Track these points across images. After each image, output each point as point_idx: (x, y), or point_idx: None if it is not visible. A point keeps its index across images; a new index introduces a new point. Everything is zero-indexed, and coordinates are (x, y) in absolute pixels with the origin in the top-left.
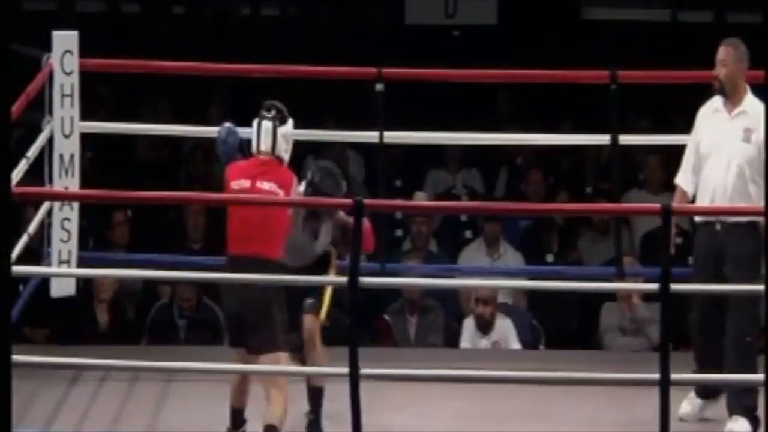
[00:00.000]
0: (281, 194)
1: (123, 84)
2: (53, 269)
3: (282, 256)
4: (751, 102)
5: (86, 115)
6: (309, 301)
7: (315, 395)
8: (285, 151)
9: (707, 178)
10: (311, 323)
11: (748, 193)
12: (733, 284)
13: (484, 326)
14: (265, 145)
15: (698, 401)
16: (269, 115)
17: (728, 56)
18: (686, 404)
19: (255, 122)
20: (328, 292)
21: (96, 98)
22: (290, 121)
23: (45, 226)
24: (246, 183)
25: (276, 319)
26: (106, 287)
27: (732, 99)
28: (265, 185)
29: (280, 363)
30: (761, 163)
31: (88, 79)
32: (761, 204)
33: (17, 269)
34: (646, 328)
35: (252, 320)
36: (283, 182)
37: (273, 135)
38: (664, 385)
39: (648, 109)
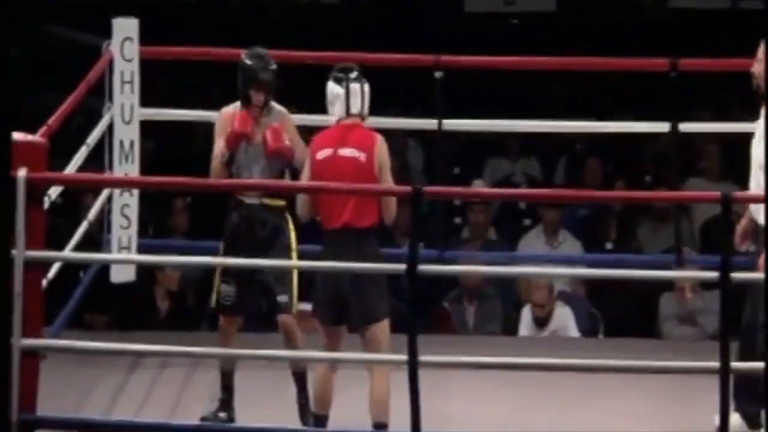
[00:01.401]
0: (362, 158)
1: (182, 71)
2: (113, 256)
3: (376, 223)
4: None
5: (146, 102)
6: (282, 299)
7: (299, 379)
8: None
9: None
10: (290, 321)
11: None
12: None
13: (543, 314)
14: (356, 108)
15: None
16: (354, 77)
17: (763, 53)
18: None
19: (339, 86)
20: (294, 282)
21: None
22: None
23: (105, 213)
24: (329, 152)
25: (378, 289)
26: (173, 279)
27: None
28: (347, 152)
29: (385, 333)
30: None
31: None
32: None
33: (77, 255)
34: (700, 318)
35: (366, 292)
36: (363, 146)
37: (361, 95)
38: (724, 374)
39: (709, 99)
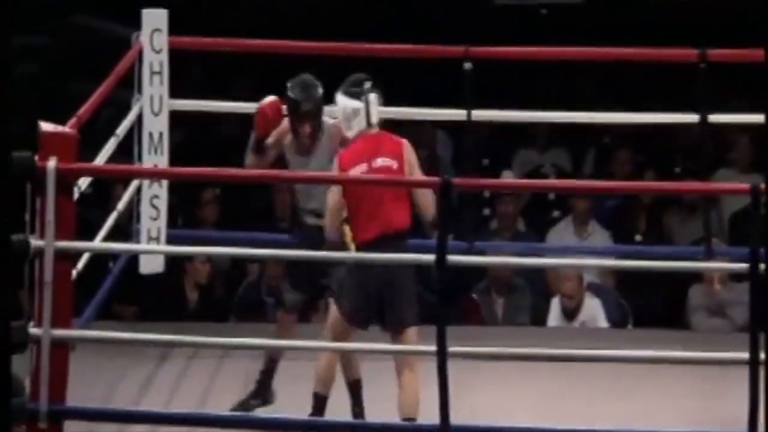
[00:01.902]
0: (395, 166)
1: (211, 62)
2: (142, 246)
3: (409, 226)
4: None
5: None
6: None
7: (354, 389)
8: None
9: None
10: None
11: None
12: None
13: (572, 305)
14: (375, 117)
15: None
16: (368, 87)
17: None
18: None
19: (357, 101)
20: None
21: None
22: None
23: (134, 204)
24: (363, 167)
25: (412, 297)
26: (202, 272)
27: None
28: (380, 162)
29: (414, 340)
30: None
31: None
32: None
33: (106, 246)
34: (729, 310)
35: (400, 297)
36: (394, 153)
37: (374, 107)
38: (754, 365)
39: (740, 90)
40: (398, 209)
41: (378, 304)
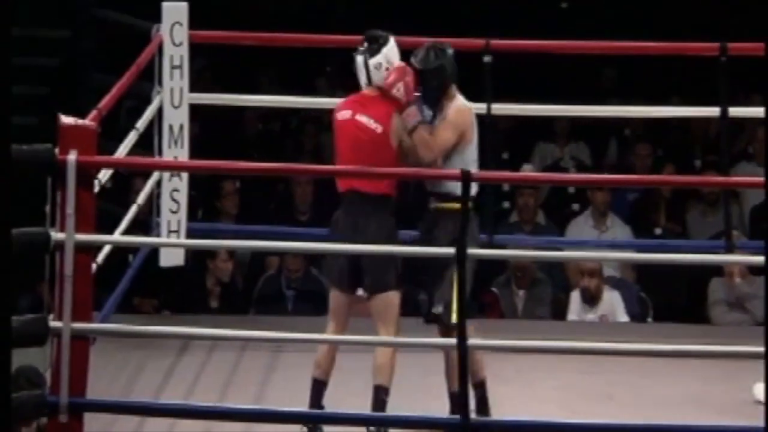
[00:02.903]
0: (377, 128)
1: (230, 56)
2: (163, 240)
3: (391, 192)
4: None
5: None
6: (437, 310)
7: (478, 390)
8: (387, 81)
9: None
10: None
11: None
12: None
13: (591, 299)
14: (362, 80)
15: None
16: (361, 49)
17: None
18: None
19: (359, 56)
20: (454, 294)
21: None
22: (386, 48)
23: (154, 197)
24: (347, 113)
25: (391, 260)
26: (224, 270)
27: None
28: (363, 119)
29: (393, 304)
30: None
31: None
32: None
33: (127, 239)
34: (749, 304)
35: (376, 259)
36: (379, 116)
37: (365, 68)
38: None
39: (760, 84)
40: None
41: (356, 267)
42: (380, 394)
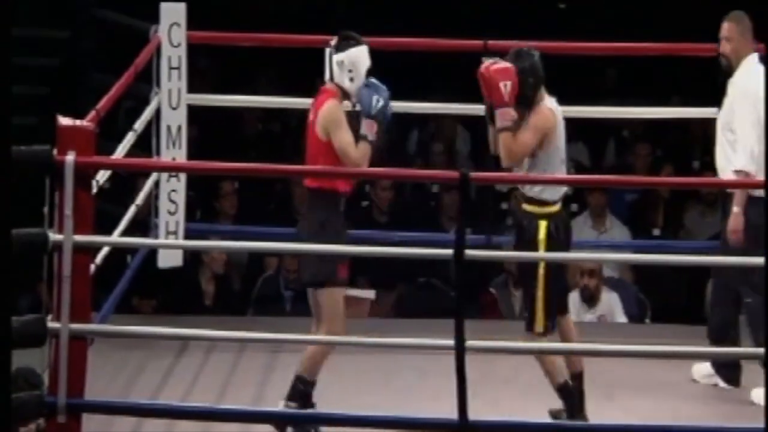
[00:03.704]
0: (312, 119)
1: (229, 56)
2: (160, 241)
3: (329, 186)
4: (741, 70)
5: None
6: (525, 314)
7: (576, 380)
8: (348, 79)
9: None
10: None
11: (726, 158)
12: None
13: (590, 299)
14: (326, 74)
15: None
16: (332, 44)
17: (732, 31)
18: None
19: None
20: (539, 300)
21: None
22: (353, 50)
23: (152, 198)
24: (311, 117)
25: (320, 256)
26: (219, 262)
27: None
28: (312, 117)
29: (330, 300)
30: (730, 125)
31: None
32: (733, 167)
33: (125, 240)
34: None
35: (303, 255)
36: (315, 107)
37: (329, 63)
38: None
39: None
40: (312, 165)
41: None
42: (297, 384)
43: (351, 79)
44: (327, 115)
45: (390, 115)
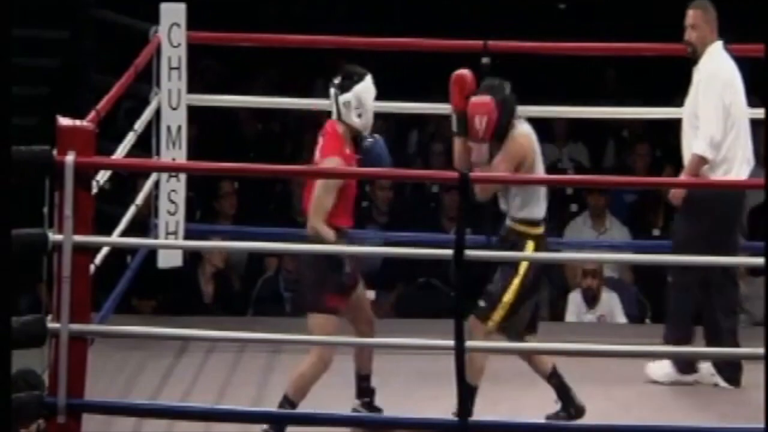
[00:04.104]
0: (315, 162)
1: (229, 57)
2: (160, 241)
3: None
4: (707, 58)
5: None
6: (481, 304)
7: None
8: (356, 116)
9: None
10: (473, 326)
11: (690, 147)
12: None
13: (590, 299)
14: (333, 113)
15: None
16: (335, 82)
17: (698, 19)
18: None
19: None
20: (506, 297)
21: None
22: (358, 86)
23: (152, 198)
24: (317, 155)
25: (311, 284)
26: (218, 257)
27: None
28: (316, 151)
29: (316, 326)
30: (695, 114)
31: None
32: (692, 151)
33: (125, 241)
34: (748, 305)
35: (304, 281)
36: (320, 152)
37: (335, 102)
38: None
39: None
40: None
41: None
42: (283, 404)
43: (359, 115)
44: (326, 150)
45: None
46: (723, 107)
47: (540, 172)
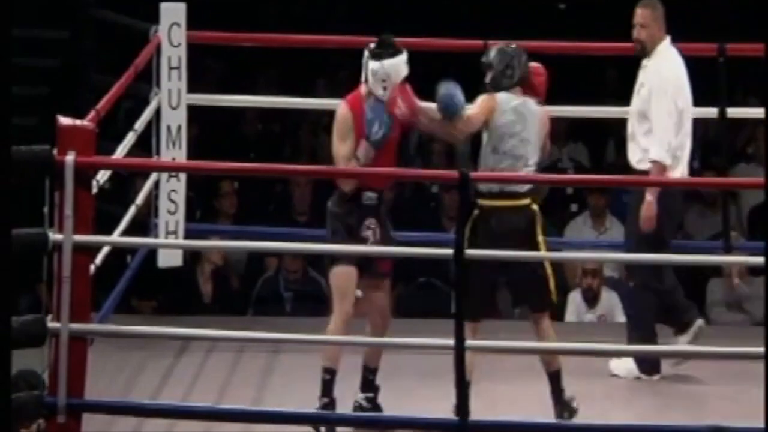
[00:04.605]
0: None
1: (230, 57)
2: (160, 241)
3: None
4: (657, 57)
5: (193, 87)
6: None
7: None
8: (382, 89)
9: None
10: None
11: (640, 148)
12: None
13: (591, 299)
14: (363, 75)
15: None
16: (371, 46)
17: (647, 17)
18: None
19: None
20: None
21: (203, 71)
22: (391, 60)
23: (152, 198)
24: None
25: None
26: (215, 255)
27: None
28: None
29: (337, 277)
30: (645, 113)
31: (194, 51)
32: (650, 156)
33: (125, 240)
34: (748, 305)
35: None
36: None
37: (365, 66)
38: None
39: (759, 85)
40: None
41: None
42: (324, 375)
43: (384, 89)
44: (335, 122)
45: (384, 142)
46: (676, 111)
47: (496, 141)
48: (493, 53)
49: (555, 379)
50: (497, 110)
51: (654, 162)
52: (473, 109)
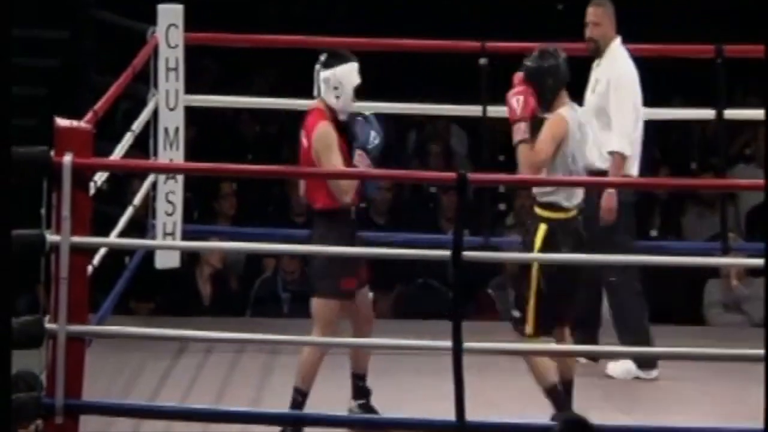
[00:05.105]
0: (304, 142)
1: (228, 58)
2: (158, 242)
3: (329, 205)
4: (611, 54)
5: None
6: (515, 314)
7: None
8: (334, 97)
9: None
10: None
11: (597, 145)
12: None
13: None
14: (318, 90)
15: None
16: (321, 59)
17: (600, 16)
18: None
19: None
20: (531, 302)
21: (200, 72)
22: (340, 67)
23: (150, 199)
24: (305, 141)
25: (320, 266)
26: (214, 258)
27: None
28: (302, 135)
29: (321, 309)
30: (604, 108)
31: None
32: (610, 147)
33: (122, 241)
34: (746, 306)
35: (313, 265)
36: (306, 130)
37: (317, 78)
38: None
39: (757, 86)
40: (314, 188)
41: None
42: (295, 395)
43: (337, 97)
44: (318, 139)
45: (379, 152)
46: (634, 107)
47: (568, 158)
48: (542, 56)
49: (566, 388)
50: (570, 129)
51: (614, 153)
52: (545, 144)
